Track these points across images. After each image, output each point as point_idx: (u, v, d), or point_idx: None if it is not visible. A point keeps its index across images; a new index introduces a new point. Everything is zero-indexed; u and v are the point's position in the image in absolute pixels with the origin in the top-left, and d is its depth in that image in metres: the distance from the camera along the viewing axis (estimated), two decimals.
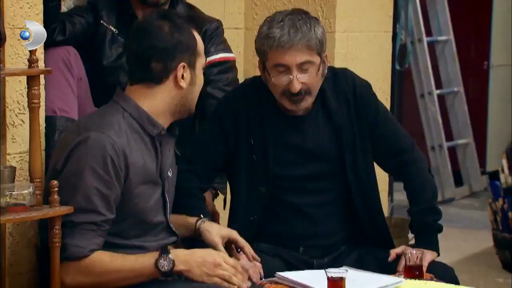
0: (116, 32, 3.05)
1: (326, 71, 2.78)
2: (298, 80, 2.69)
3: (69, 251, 2.33)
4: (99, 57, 3.04)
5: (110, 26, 3.05)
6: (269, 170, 2.76)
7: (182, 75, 2.46)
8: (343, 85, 2.83)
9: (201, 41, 2.52)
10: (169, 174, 2.54)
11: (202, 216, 2.65)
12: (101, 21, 3.05)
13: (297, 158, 2.79)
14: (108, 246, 2.39)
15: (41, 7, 2.57)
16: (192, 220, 2.63)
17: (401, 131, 2.94)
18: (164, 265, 2.35)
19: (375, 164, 2.92)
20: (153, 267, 2.35)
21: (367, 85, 2.88)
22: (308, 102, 2.74)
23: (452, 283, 2.72)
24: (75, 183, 2.35)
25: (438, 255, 2.84)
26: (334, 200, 2.82)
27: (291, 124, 2.80)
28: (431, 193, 2.88)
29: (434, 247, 2.81)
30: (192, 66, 2.48)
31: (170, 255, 2.36)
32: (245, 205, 2.78)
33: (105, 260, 2.35)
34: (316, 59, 2.71)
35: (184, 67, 2.45)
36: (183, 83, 2.46)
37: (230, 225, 2.81)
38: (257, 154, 2.76)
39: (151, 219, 2.48)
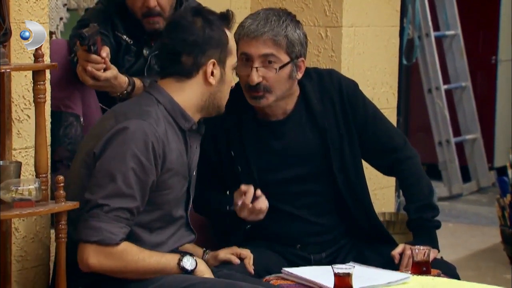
0: (131, 42, 3.03)
1: (300, 75, 2.74)
2: (258, 73, 2.68)
3: (102, 235, 2.33)
4: None
5: (124, 36, 3.03)
6: (255, 179, 2.76)
7: (212, 72, 2.47)
8: (328, 86, 2.82)
9: (234, 40, 2.54)
10: (194, 172, 2.55)
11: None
12: (116, 32, 3.03)
13: (280, 163, 2.78)
14: (130, 237, 2.39)
15: (46, 1, 2.56)
16: (199, 251, 2.69)
17: (393, 129, 2.92)
18: (187, 264, 2.41)
19: (368, 163, 2.92)
20: (176, 264, 2.41)
21: (353, 85, 2.86)
22: (269, 100, 2.71)
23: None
24: (116, 168, 2.35)
25: (439, 251, 2.83)
26: (325, 201, 2.82)
27: (271, 130, 2.79)
28: (427, 189, 2.87)
29: (434, 243, 2.79)
30: (222, 63, 2.48)
31: (194, 257, 2.44)
32: (235, 213, 2.75)
33: (134, 250, 2.37)
34: (283, 57, 2.69)
35: (214, 64, 2.47)
36: (212, 80, 2.47)
37: (222, 234, 2.82)
38: (240, 165, 2.77)
39: (175, 213, 2.50)
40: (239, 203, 2.66)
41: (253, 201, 2.66)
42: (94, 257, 2.34)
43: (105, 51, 2.72)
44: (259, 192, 2.67)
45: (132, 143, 2.36)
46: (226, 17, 2.52)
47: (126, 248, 2.36)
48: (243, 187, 2.68)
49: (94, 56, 2.69)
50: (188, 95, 2.47)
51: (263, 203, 2.67)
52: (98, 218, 2.34)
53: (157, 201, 2.43)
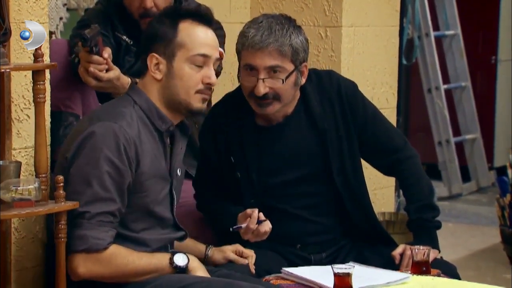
0: (131, 43, 3.03)
1: (304, 80, 2.75)
2: (264, 84, 2.68)
3: (89, 243, 2.33)
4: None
5: (124, 37, 3.03)
6: (254, 184, 2.76)
7: (158, 67, 2.45)
8: (327, 87, 2.82)
9: (195, 33, 2.46)
10: (178, 173, 2.54)
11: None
12: (116, 32, 3.03)
13: (280, 165, 2.78)
14: (116, 237, 2.39)
15: (46, 1, 2.56)
16: (202, 247, 2.70)
17: (392, 129, 2.92)
18: (179, 260, 2.40)
19: (368, 163, 2.92)
20: (168, 262, 2.40)
21: (352, 86, 2.86)
22: (275, 107, 2.72)
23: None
24: (91, 172, 2.34)
25: (439, 252, 2.83)
26: (325, 201, 2.82)
27: (271, 133, 2.79)
28: (427, 190, 2.86)
29: (434, 244, 2.79)
30: (168, 57, 2.45)
31: (185, 253, 2.42)
32: (238, 233, 2.75)
33: (123, 253, 2.37)
34: (288, 66, 2.69)
35: (156, 58, 2.45)
36: (157, 75, 2.45)
37: (222, 234, 2.82)
38: (240, 171, 2.77)
39: (160, 214, 2.48)
40: (243, 226, 2.66)
41: (258, 224, 2.67)
42: (83, 266, 2.34)
43: (107, 52, 2.73)
44: (262, 216, 2.68)
45: (104, 146, 2.35)
46: (184, 12, 2.48)
47: (115, 251, 2.35)
48: (248, 210, 2.68)
49: (96, 57, 2.69)
50: (150, 93, 2.47)
51: (267, 226, 2.68)
52: (81, 226, 2.34)
53: (136, 203, 2.42)
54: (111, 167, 2.35)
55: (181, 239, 2.57)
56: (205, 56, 2.47)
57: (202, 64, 2.46)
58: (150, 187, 2.44)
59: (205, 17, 2.49)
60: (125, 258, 2.36)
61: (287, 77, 2.69)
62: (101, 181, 2.34)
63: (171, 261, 2.41)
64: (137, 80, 2.85)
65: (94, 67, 2.69)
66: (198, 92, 2.46)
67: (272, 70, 2.68)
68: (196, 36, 2.46)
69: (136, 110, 2.44)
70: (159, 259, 2.41)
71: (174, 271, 2.41)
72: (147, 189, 2.43)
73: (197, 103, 2.47)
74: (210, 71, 2.47)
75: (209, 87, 2.48)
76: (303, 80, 2.76)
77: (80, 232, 2.34)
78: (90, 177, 2.34)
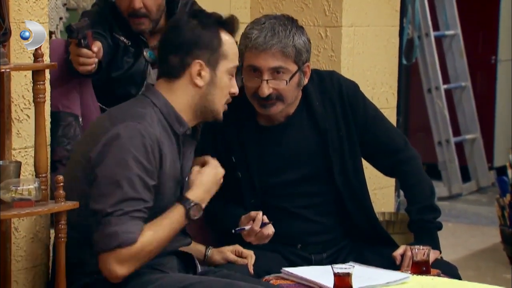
0: (129, 43, 3.03)
1: (307, 80, 2.76)
2: (268, 85, 2.68)
3: (120, 239, 2.30)
4: (109, 68, 2.99)
5: (122, 38, 3.03)
6: (255, 184, 2.76)
7: (200, 73, 2.44)
8: (328, 87, 2.82)
9: (233, 45, 2.48)
10: (186, 178, 2.54)
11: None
12: (113, 33, 3.03)
13: (281, 165, 2.79)
14: None
15: (45, 1, 2.57)
16: (201, 248, 2.71)
17: (393, 130, 2.93)
18: (196, 214, 2.41)
19: (369, 163, 2.92)
20: (184, 218, 2.40)
21: (353, 86, 2.87)
22: (279, 108, 2.72)
23: None
24: (120, 174, 2.33)
25: (440, 253, 2.83)
26: (326, 201, 2.83)
27: (272, 133, 2.79)
28: (428, 191, 2.86)
29: (436, 245, 2.79)
30: (212, 66, 2.45)
31: (192, 203, 2.41)
32: (237, 216, 2.76)
33: (150, 236, 2.34)
34: (292, 67, 2.69)
35: (201, 64, 2.44)
36: (199, 81, 2.45)
37: (222, 235, 2.83)
38: (241, 170, 2.77)
39: None
40: (247, 228, 2.66)
41: (261, 227, 2.67)
42: (120, 266, 2.31)
43: (97, 46, 2.71)
44: (266, 218, 2.68)
45: (131, 147, 2.34)
46: (224, 22, 2.48)
47: (143, 239, 2.33)
48: (253, 213, 2.69)
49: (84, 50, 2.67)
50: (178, 96, 2.45)
51: (270, 229, 2.69)
52: (110, 224, 2.31)
53: (155, 204, 2.41)
54: (140, 168, 2.34)
55: (188, 245, 2.57)
56: (236, 67, 2.51)
57: (232, 75, 2.50)
58: (168, 189, 2.44)
59: (235, 28, 2.51)
60: (153, 238, 2.34)
61: (290, 78, 2.69)
62: (131, 182, 2.33)
63: (187, 215, 2.40)
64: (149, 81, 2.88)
65: (83, 61, 2.68)
66: (225, 102, 2.51)
67: (276, 71, 2.69)
68: (234, 48, 2.50)
69: (155, 112, 2.43)
70: (178, 220, 2.39)
71: (191, 221, 2.42)
72: (164, 191, 2.43)
73: (221, 113, 2.51)
74: (234, 81, 2.51)
75: (232, 96, 2.51)
76: (306, 81, 2.77)
77: (110, 229, 2.31)
78: (120, 178, 2.32)
